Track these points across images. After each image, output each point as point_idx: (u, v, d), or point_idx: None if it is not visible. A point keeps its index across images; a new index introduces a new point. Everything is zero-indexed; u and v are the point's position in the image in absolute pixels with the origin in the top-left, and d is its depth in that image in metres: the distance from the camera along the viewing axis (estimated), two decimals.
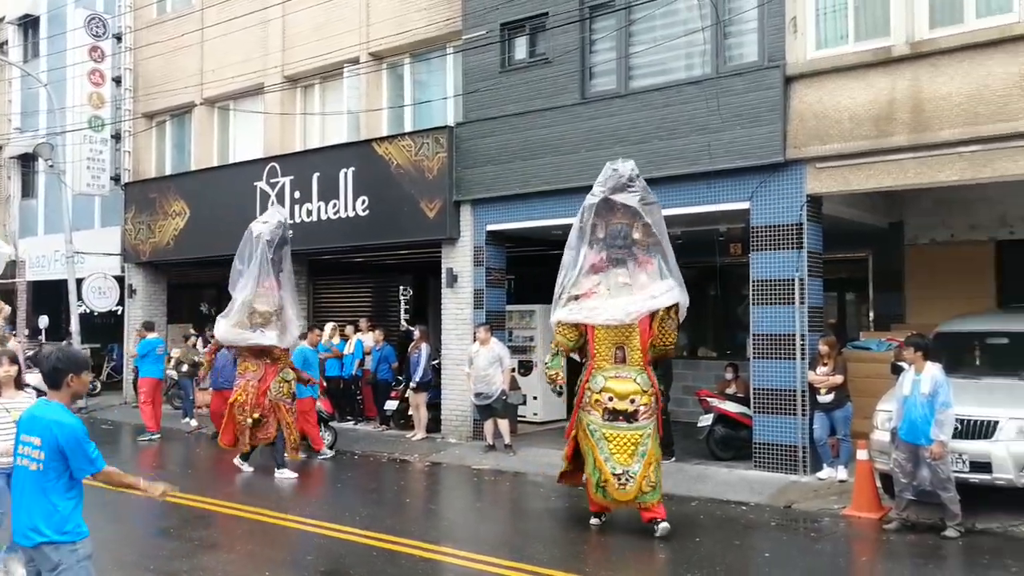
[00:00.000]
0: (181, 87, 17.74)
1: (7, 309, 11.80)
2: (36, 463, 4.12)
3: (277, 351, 11.15)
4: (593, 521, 8.09)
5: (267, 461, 11.03)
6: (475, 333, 12.10)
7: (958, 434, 7.78)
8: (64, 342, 17.49)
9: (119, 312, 19.33)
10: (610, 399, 7.64)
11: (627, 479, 7.56)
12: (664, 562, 7.05)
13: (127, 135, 19.14)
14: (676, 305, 7.83)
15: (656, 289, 7.80)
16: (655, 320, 7.78)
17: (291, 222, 15.12)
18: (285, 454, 11.01)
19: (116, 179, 19.04)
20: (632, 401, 7.61)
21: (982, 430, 7.95)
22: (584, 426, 7.81)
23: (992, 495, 8.18)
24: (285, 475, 10.73)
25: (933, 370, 7.73)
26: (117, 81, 19.09)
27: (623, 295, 7.82)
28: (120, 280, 18.71)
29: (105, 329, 20.84)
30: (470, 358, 11.93)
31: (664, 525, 7.68)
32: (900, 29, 9.40)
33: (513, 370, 12.43)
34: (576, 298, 7.96)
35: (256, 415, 10.98)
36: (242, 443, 11.15)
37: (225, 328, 11.25)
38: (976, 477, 7.91)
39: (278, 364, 11.19)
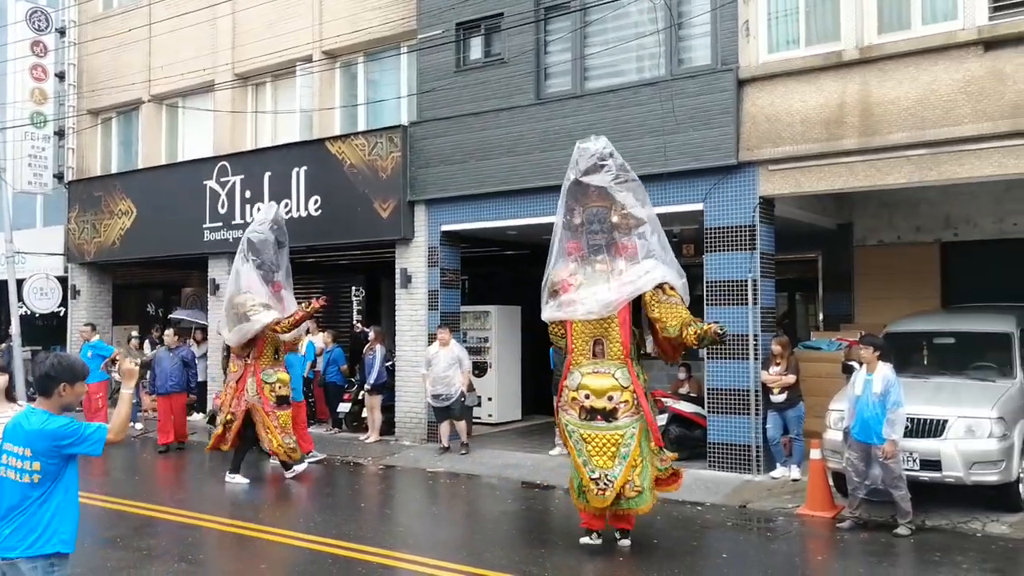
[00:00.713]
0: (128, 84, 17.30)
1: None
2: (23, 474, 3.92)
3: (261, 347, 10.65)
4: (584, 540, 7.40)
5: (250, 467, 10.72)
6: (436, 334, 11.98)
7: (909, 433, 7.90)
8: (3, 344, 16.97)
9: (61, 314, 18.79)
10: (587, 396, 7.04)
11: (606, 484, 6.91)
12: (622, 564, 7.03)
13: (71, 132, 18.63)
14: (666, 284, 7.19)
15: (633, 273, 7.16)
16: (645, 307, 7.15)
17: (240, 222, 14.93)
18: (241, 460, 10.67)
19: (59, 177, 18.52)
20: (610, 398, 6.98)
21: (932, 429, 8.09)
22: (563, 427, 7.29)
23: (942, 492, 8.36)
24: (236, 480, 10.46)
25: (884, 370, 7.84)
26: (60, 77, 18.56)
27: (599, 284, 7.21)
28: (63, 281, 18.19)
29: (47, 331, 20.24)
30: (428, 360, 11.82)
31: (625, 542, 7.36)
32: (850, 34, 9.55)
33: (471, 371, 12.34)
34: (556, 293, 7.38)
35: (228, 416, 10.59)
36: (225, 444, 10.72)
37: (228, 335, 10.86)
38: (926, 475, 8.05)
39: (259, 363, 10.64)
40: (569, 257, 7.37)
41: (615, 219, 7.30)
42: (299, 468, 10.67)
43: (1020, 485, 8.22)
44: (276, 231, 11.12)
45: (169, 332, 13.26)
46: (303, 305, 10.90)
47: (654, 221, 7.34)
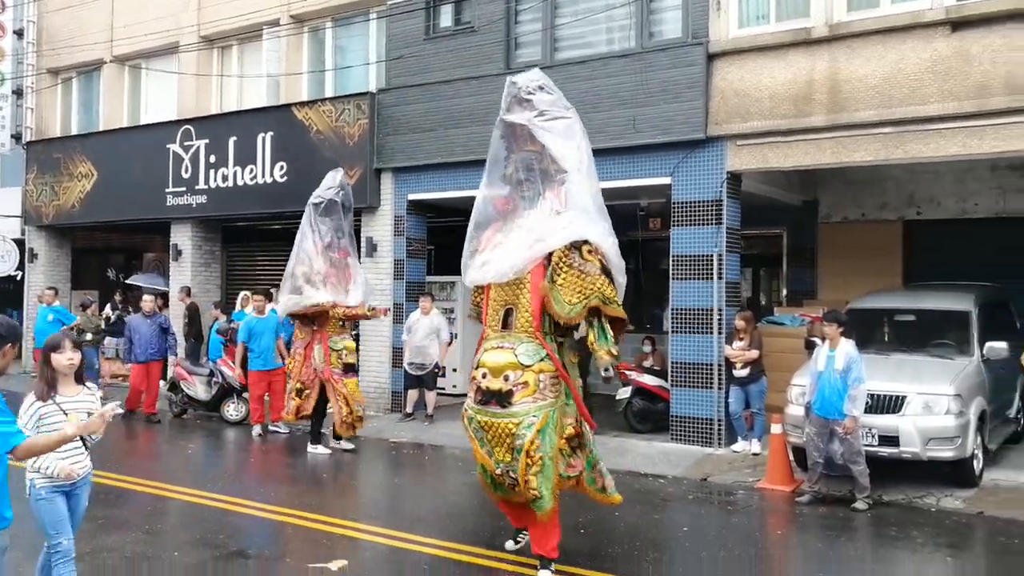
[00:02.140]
0: (89, 43, 16.85)
1: None
2: None
3: (325, 316, 10.27)
4: (509, 545, 6.56)
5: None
6: (419, 301, 11.99)
7: (868, 409, 7.99)
8: None
9: (19, 277, 18.39)
10: (484, 375, 5.83)
11: (512, 480, 5.82)
12: (584, 537, 7.04)
13: (30, 91, 18.16)
14: (585, 245, 5.84)
15: (548, 228, 5.85)
16: (565, 265, 5.80)
17: (203, 187, 14.67)
18: (324, 430, 10.45)
19: (17, 137, 18.08)
20: (506, 378, 5.69)
21: (891, 405, 8.20)
22: (464, 412, 6.12)
23: (899, 468, 8.48)
24: (318, 451, 10.29)
25: (847, 346, 7.90)
26: (19, 34, 18.07)
27: (514, 242, 5.99)
28: (20, 244, 17.80)
29: (3, 295, 19.86)
30: (408, 327, 11.83)
31: (543, 574, 5.93)
32: (820, 11, 9.54)
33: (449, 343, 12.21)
34: (476, 252, 6.23)
35: (298, 385, 10.29)
36: (287, 412, 10.49)
37: (282, 304, 10.41)
38: (885, 451, 8.16)
39: (325, 331, 10.28)
40: (497, 212, 6.21)
41: (544, 165, 6.05)
42: (323, 451, 10.37)
43: (974, 461, 8.37)
44: (342, 196, 10.52)
45: (147, 298, 12.80)
46: (367, 307, 10.54)
47: (587, 167, 6.12)
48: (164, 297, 15.72)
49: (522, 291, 5.85)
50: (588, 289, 5.72)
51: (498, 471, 5.84)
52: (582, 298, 5.70)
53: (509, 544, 6.52)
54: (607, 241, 5.84)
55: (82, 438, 4.54)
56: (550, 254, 5.79)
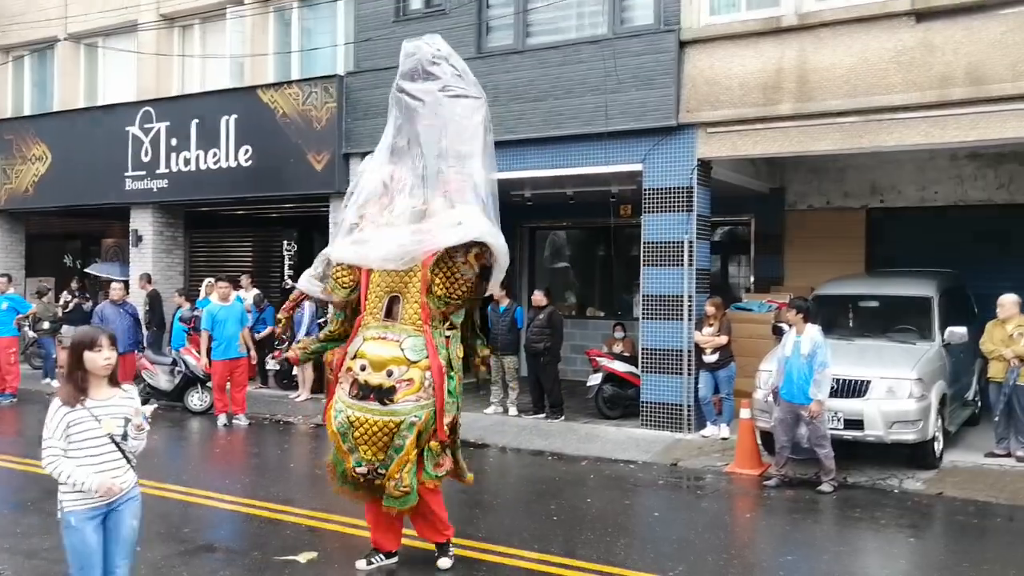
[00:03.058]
0: (42, 19, 16.30)
1: None
2: None
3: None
4: (359, 564, 5.80)
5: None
6: None
7: (834, 393, 8.13)
8: None
9: None
10: (363, 368, 5.33)
11: (377, 475, 5.43)
12: (555, 524, 7.07)
13: None
14: (483, 245, 5.46)
15: (448, 218, 5.47)
16: (443, 262, 5.44)
17: (164, 171, 14.34)
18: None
19: None
20: (389, 373, 5.28)
21: (855, 389, 8.34)
22: (330, 404, 5.57)
23: (863, 450, 8.67)
24: None
25: (812, 332, 8.02)
26: None
27: (403, 228, 5.54)
28: None
29: None
30: None
31: (444, 561, 5.80)
32: (789, 0, 9.60)
33: None
34: (356, 226, 5.72)
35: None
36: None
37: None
38: (850, 434, 8.31)
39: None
40: (384, 189, 5.67)
41: (445, 142, 5.57)
42: None
43: (935, 443, 8.56)
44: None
45: (117, 286, 12.28)
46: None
47: (489, 155, 5.67)
48: (125, 285, 15.36)
49: (411, 280, 5.43)
50: (455, 290, 5.49)
51: (359, 468, 5.40)
52: (446, 294, 5.50)
53: (360, 563, 5.80)
54: (499, 241, 5.52)
55: (119, 446, 4.06)
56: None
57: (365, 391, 5.32)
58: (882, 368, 8.44)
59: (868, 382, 8.33)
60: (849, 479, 8.27)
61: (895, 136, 9.19)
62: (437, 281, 5.42)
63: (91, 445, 3.97)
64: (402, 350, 5.32)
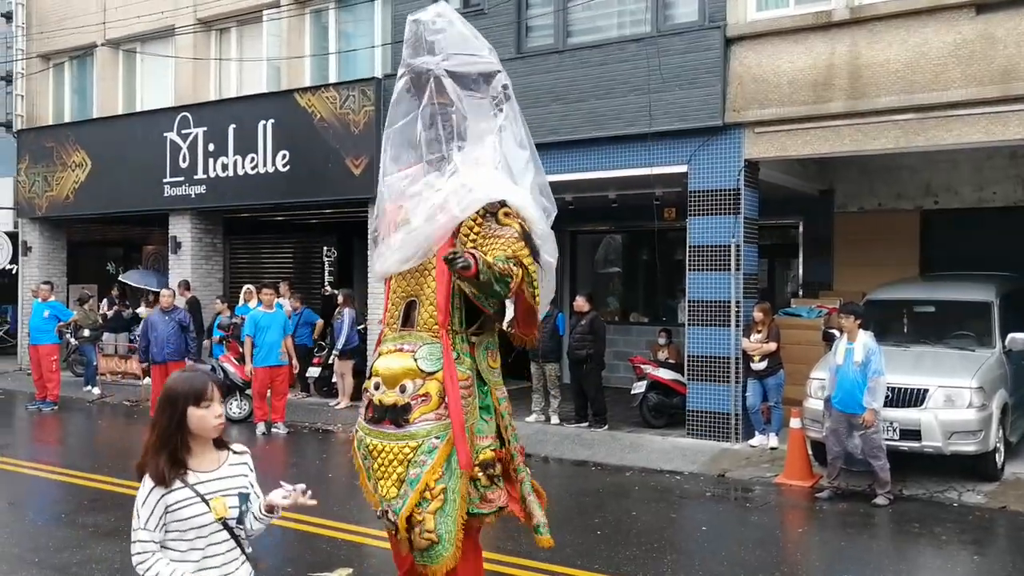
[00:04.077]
0: (81, 26, 16.46)
1: None
2: None
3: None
4: None
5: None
6: None
7: (889, 402, 7.86)
8: None
9: (13, 271, 18.04)
10: (376, 387, 4.48)
11: (389, 523, 4.35)
12: (600, 539, 6.84)
13: (20, 77, 17.75)
14: (502, 209, 4.44)
15: (451, 192, 4.46)
16: (466, 236, 4.42)
17: (202, 176, 14.34)
18: None
19: (7, 125, 17.72)
20: (402, 389, 4.34)
21: (912, 398, 8.05)
22: (353, 433, 4.78)
23: (918, 461, 8.36)
24: None
25: (865, 338, 7.76)
26: (7, 17, 17.69)
27: (415, 215, 4.59)
28: (13, 236, 17.43)
29: None
30: None
31: None
32: None
33: None
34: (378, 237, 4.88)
35: None
36: None
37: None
38: (906, 445, 8.03)
39: None
40: (404, 181, 4.79)
41: (455, 123, 4.69)
42: None
43: (996, 455, 8.24)
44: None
45: (165, 293, 12.09)
46: None
47: (514, 119, 4.78)
48: (157, 296, 15.28)
49: (426, 279, 4.50)
50: (498, 250, 4.25)
51: (377, 512, 4.42)
52: (503, 252, 4.24)
53: None
54: (529, 203, 4.45)
55: (234, 532, 3.03)
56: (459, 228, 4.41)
57: (380, 413, 4.42)
58: (940, 376, 8.14)
59: (925, 391, 8.04)
60: (905, 491, 7.99)
61: (954, 134, 8.85)
62: (475, 247, 4.32)
63: (197, 535, 2.92)
64: (415, 360, 4.38)
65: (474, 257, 3.95)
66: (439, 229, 4.38)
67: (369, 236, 5.00)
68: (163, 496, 2.87)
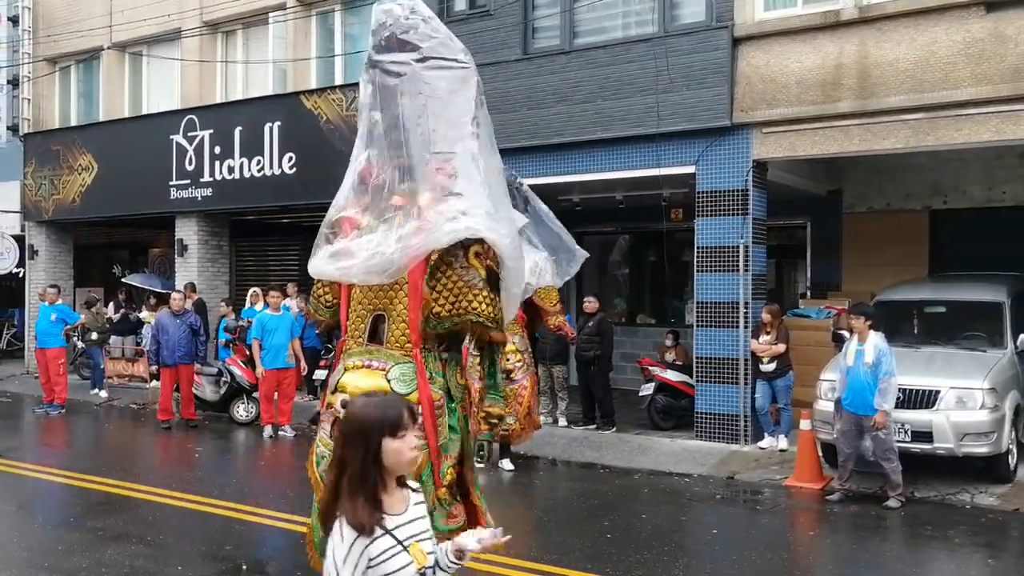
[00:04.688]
0: (87, 29, 16.46)
1: None
2: None
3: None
4: None
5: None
6: None
7: (900, 404, 7.79)
8: None
9: (20, 275, 18.05)
10: (344, 404, 4.29)
11: None
12: (610, 542, 6.77)
13: (26, 81, 17.75)
14: (475, 246, 4.38)
15: (443, 211, 4.29)
16: (439, 271, 4.39)
17: (208, 179, 14.33)
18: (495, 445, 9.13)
19: (14, 129, 17.73)
20: None
21: (923, 400, 7.99)
22: (312, 448, 4.67)
23: (929, 463, 8.29)
24: (505, 466, 9.14)
25: (876, 339, 7.70)
26: (14, 21, 17.73)
27: (393, 230, 4.38)
28: (20, 240, 17.42)
29: (4, 293, 19.54)
30: None
31: None
32: None
33: None
34: (334, 235, 4.62)
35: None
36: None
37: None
38: (917, 447, 7.96)
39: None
40: (363, 185, 4.55)
41: (425, 129, 4.44)
42: (508, 467, 9.11)
43: (1009, 456, 8.18)
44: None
45: (176, 296, 12.08)
46: None
47: (486, 135, 4.54)
48: (160, 299, 15.27)
49: (397, 294, 4.41)
50: (461, 304, 4.33)
51: None
52: (453, 312, 4.34)
53: None
54: (505, 240, 4.33)
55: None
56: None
57: None
58: (952, 377, 8.07)
59: (937, 392, 7.97)
60: (917, 494, 7.92)
61: (964, 133, 8.79)
62: (439, 297, 4.32)
63: None
64: (388, 380, 4.29)
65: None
66: (412, 252, 4.23)
67: (322, 228, 4.62)
68: (366, 547, 2.40)
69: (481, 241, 4.31)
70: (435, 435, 4.24)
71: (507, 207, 4.61)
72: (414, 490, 2.62)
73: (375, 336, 4.46)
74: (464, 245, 4.33)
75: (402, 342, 4.36)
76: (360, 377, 4.35)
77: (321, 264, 4.54)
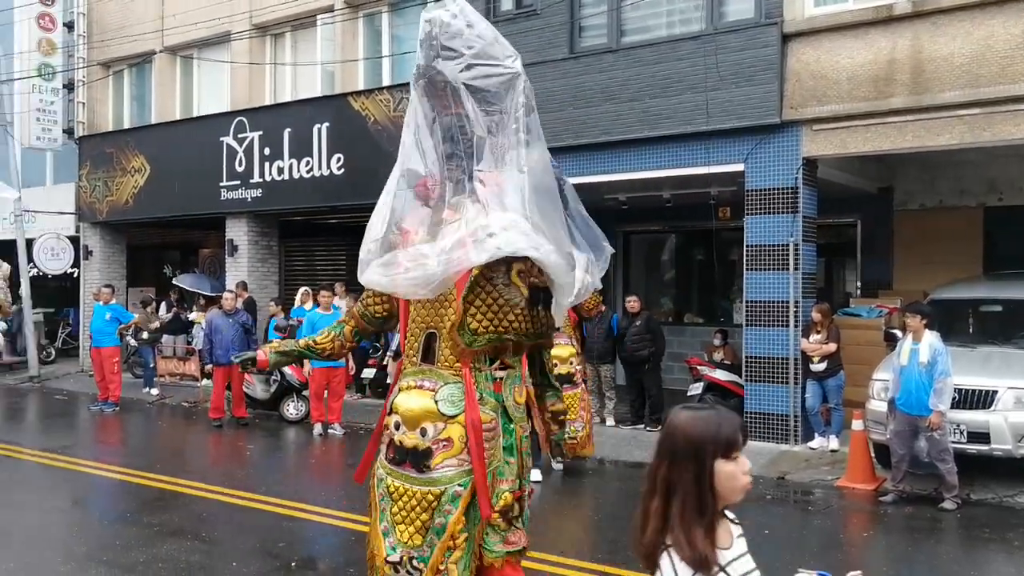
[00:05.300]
0: (140, 34, 16.80)
1: (6, 267, 10.51)
2: None
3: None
4: None
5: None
6: None
7: (956, 404, 7.66)
8: (14, 307, 16.71)
9: (75, 275, 18.50)
10: (396, 426, 4.22)
11: (413, 570, 4.07)
12: None
13: (81, 85, 18.17)
14: (517, 264, 4.11)
15: (483, 228, 4.04)
16: (479, 286, 4.12)
17: (258, 180, 14.54)
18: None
19: (69, 132, 18.10)
20: (423, 432, 4.09)
21: (980, 400, 7.85)
22: (372, 472, 4.43)
23: (988, 465, 8.13)
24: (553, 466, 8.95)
25: (931, 339, 7.56)
26: (69, 27, 18.09)
27: (438, 242, 4.18)
28: (75, 241, 17.85)
29: (60, 293, 20.00)
30: None
31: None
32: None
33: None
34: (393, 245, 4.35)
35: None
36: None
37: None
38: (974, 448, 7.83)
39: None
40: (419, 197, 4.36)
41: (472, 138, 4.23)
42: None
43: None
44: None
45: (228, 295, 12.29)
46: None
47: (535, 138, 4.25)
48: (210, 300, 15.50)
49: (447, 312, 4.18)
50: (501, 323, 4.14)
51: (391, 557, 4.08)
52: (490, 329, 4.12)
53: None
54: (551, 258, 4.07)
55: None
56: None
57: (401, 455, 4.15)
58: (1009, 377, 7.92)
59: (994, 392, 7.82)
60: (973, 496, 7.78)
61: (1022, 128, 8.62)
62: (476, 312, 4.14)
63: None
64: (436, 402, 4.11)
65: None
66: (453, 267, 4.01)
67: (377, 233, 4.38)
68: None
69: (525, 259, 4.11)
70: (481, 461, 4.05)
71: (559, 221, 4.31)
72: (734, 521, 2.29)
73: (428, 355, 4.29)
74: (507, 262, 4.11)
75: (451, 361, 4.18)
76: (411, 398, 4.21)
77: (371, 273, 4.34)
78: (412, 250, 4.18)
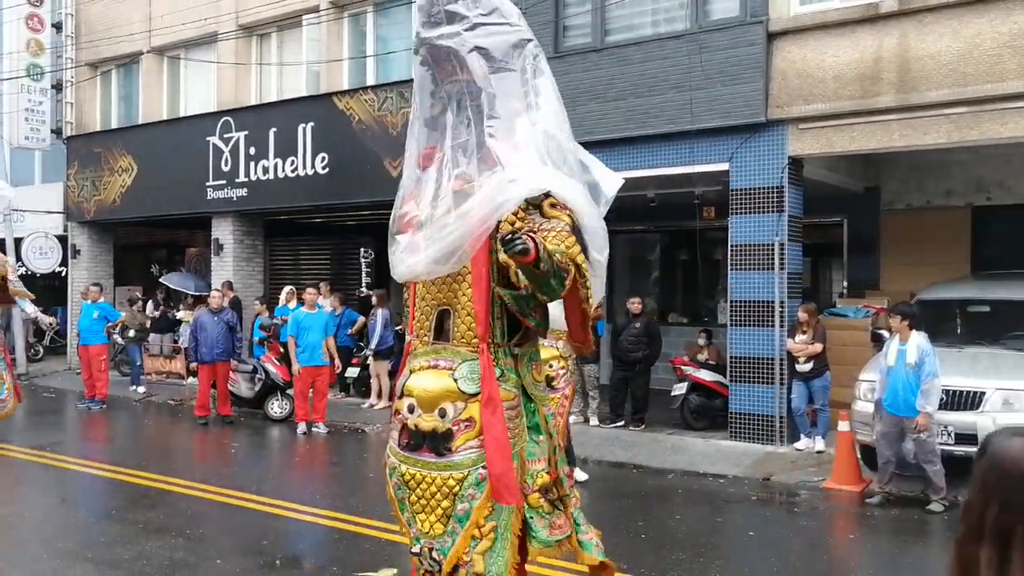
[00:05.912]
0: (127, 34, 16.75)
1: (9, 259, 10.37)
2: None
3: None
4: None
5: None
6: None
7: (943, 405, 7.60)
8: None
9: (62, 274, 18.42)
10: (411, 409, 3.92)
11: (432, 564, 3.80)
12: (646, 543, 6.69)
13: (69, 85, 18.12)
14: (546, 200, 3.82)
15: (491, 188, 3.69)
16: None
17: (243, 180, 14.47)
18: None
19: (57, 132, 18.07)
20: (442, 413, 3.81)
21: (968, 401, 7.79)
22: (384, 460, 4.17)
23: (972, 466, 8.04)
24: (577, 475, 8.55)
25: (918, 339, 7.50)
26: (57, 27, 18.05)
27: (446, 215, 3.83)
28: (63, 240, 17.80)
29: (48, 291, 19.90)
30: None
31: None
32: None
33: None
34: (399, 234, 4.08)
35: None
36: None
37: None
38: (962, 449, 7.73)
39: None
40: (424, 171, 4.05)
41: (479, 103, 3.95)
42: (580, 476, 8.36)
43: None
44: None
45: (215, 294, 12.31)
46: None
47: (548, 98, 4.02)
48: (198, 299, 15.51)
49: (460, 285, 3.94)
50: (560, 244, 3.69)
51: (413, 549, 3.85)
52: (556, 247, 3.66)
53: None
54: (577, 192, 3.84)
55: None
56: (497, 227, 3.71)
57: (417, 439, 3.87)
58: (998, 378, 7.85)
59: (982, 393, 7.76)
60: (960, 498, 7.66)
61: (1009, 127, 8.56)
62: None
63: None
64: (455, 380, 3.83)
65: (533, 241, 3.38)
66: (475, 227, 3.60)
67: (390, 232, 4.17)
68: None
69: (548, 195, 3.81)
70: (497, 436, 3.77)
71: (576, 159, 4.06)
72: None
73: (441, 333, 4.01)
74: (534, 203, 3.80)
75: (468, 337, 3.88)
76: (427, 378, 3.92)
77: (395, 266, 4.05)
78: (421, 233, 3.88)
